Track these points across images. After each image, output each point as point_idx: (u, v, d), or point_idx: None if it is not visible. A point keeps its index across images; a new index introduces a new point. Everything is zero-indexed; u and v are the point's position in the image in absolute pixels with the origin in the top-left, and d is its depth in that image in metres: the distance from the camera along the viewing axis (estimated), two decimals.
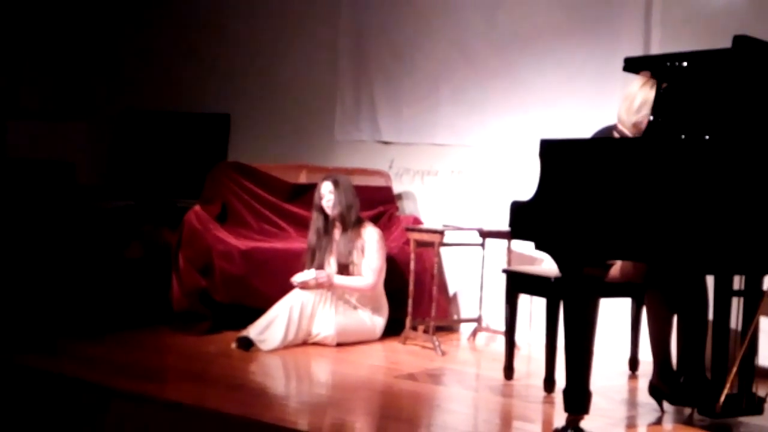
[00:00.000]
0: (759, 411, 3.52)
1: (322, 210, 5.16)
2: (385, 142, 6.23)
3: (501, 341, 4.50)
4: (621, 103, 3.84)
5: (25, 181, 6.24)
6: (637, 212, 3.05)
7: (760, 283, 3.51)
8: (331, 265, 5.11)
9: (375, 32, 6.26)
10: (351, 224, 5.12)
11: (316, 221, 5.18)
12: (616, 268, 3.80)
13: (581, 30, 5.34)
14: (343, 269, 5.08)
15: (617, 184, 3.12)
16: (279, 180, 5.76)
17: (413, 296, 5.13)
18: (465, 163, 5.84)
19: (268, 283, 5.12)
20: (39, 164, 6.45)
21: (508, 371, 4.31)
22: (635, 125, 3.74)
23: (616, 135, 3.87)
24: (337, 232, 5.17)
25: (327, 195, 5.12)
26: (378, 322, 5.16)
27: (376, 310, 5.16)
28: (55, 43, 7.25)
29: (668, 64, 3.29)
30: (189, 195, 5.97)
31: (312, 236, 5.18)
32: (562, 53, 5.39)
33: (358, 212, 5.19)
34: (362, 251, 5.09)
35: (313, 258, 5.12)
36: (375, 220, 5.63)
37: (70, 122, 7.23)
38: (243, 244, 5.23)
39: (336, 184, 5.12)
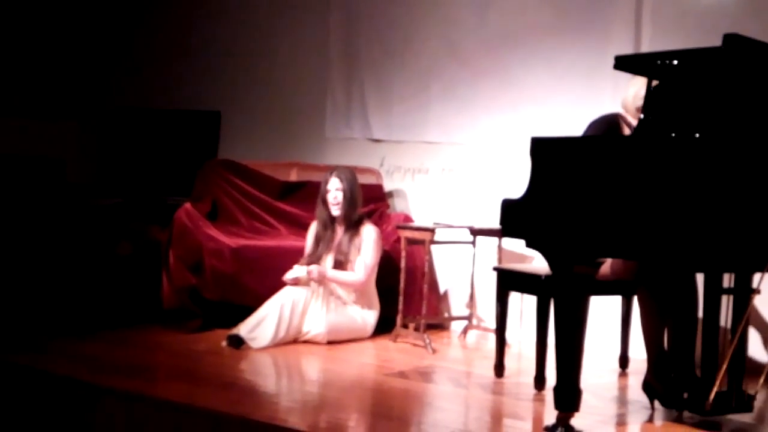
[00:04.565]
0: (748, 408, 3.53)
1: (326, 203, 5.14)
2: (376, 140, 6.22)
3: (492, 339, 4.51)
4: (628, 90, 3.89)
5: (15, 178, 6.22)
6: (628, 210, 3.05)
7: (749, 280, 3.52)
8: (327, 261, 5.10)
9: (365, 30, 6.25)
10: (353, 223, 5.12)
11: (320, 214, 5.17)
12: (607, 266, 3.80)
13: (572, 28, 5.35)
14: (338, 265, 5.08)
15: (608, 182, 3.13)
16: (270, 178, 5.75)
17: (404, 294, 5.13)
18: (456, 161, 5.84)
19: (258, 281, 5.11)
20: (29, 161, 6.43)
21: (499, 369, 4.31)
22: (639, 110, 3.80)
23: (620, 121, 3.89)
24: (339, 229, 5.16)
25: (333, 192, 5.11)
26: (369, 320, 5.15)
27: (367, 307, 5.15)
28: (45, 41, 7.22)
29: (659, 62, 3.30)
30: (179, 192, 5.95)
31: (318, 227, 5.17)
32: (553, 51, 5.40)
33: (360, 210, 5.20)
34: (359, 249, 5.08)
35: (316, 248, 5.11)
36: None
37: (60, 120, 7.20)
38: (233, 241, 5.22)
39: (342, 180, 5.10)
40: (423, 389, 4.15)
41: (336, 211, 5.11)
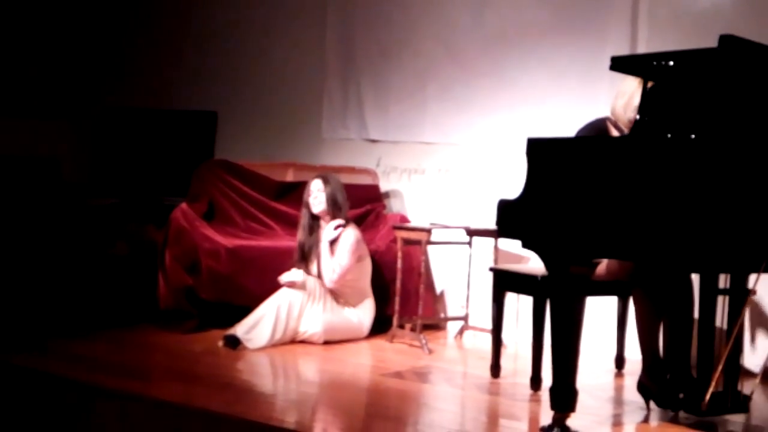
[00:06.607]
0: (744, 409, 3.54)
1: (308, 205, 5.16)
2: (373, 141, 6.22)
3: (488, 339, 4.50)
4: (616, 99, 3.82)
5: (10, 177, 6.22)
6: (624, 211, 3.06)
7: (745, 281, 3.52)
8: (314, 265, 5.10)
9: (362, 30, 6.26)
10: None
11: (303, 218, 5.19)
12: (603, 266, 3.81)
13: (568, 29, 5.35)
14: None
15: (604, 183, 3.13)
16: (266, 178, 5.75)
17: (400, 294, 5.13)
18: (452, 162, 5.84)
19: (255, 282, 5.11)
20: (24, 161, 6.43)
21: (495, 369, 4.32)
22: (632, 122, 3.76)
23: (609, 126, 3.86)
24: (322, 231, 5.16)
25: (315, 193, 5.13)
26: (365, 320, 5.15)
27: (363, 308, 5.15)
28: (40, 40, 7.21)
29: (655, 63, 3.30)
30: (176, 193, 5.95)
31: (300, 234, 5.18)
32: (549, 52, 5.40)
33: (347, 213, 5.19)
34: None
35: (302, 255, 5.12)
36: (362, 219, 5.63)
37: (55, 120, 7.20)
38: (230, 242, 5.22)
39: (326, 182, 5.12)
40: (419, 389, 4.15)
41: (316, 209, 5.11)
